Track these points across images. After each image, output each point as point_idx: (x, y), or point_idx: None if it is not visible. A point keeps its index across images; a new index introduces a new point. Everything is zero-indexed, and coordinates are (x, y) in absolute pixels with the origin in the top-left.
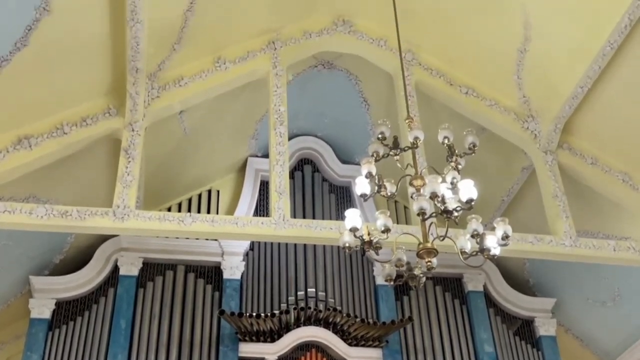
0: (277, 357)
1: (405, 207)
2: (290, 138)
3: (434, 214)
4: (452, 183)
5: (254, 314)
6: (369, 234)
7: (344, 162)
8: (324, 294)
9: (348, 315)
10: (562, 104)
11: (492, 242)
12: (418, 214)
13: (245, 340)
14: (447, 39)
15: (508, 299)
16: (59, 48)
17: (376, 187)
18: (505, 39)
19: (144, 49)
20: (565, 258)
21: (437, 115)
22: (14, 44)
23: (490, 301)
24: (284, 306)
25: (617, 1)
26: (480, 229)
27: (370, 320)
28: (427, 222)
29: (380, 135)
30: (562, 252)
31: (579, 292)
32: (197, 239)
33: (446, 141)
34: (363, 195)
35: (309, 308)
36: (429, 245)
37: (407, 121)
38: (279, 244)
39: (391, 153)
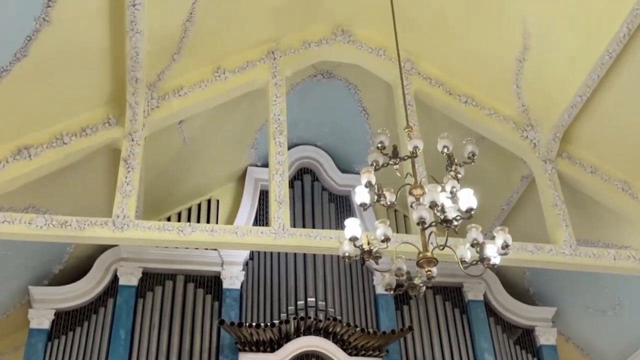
0: None
1: (405, 216)
2: (289, 147)
3: (433, 223)
4: (451, 192)
5: (254, 323)
6: (368, 243)
7: (343, 171)
8: (323, 303)
9: (348, 324)
10: (561, 113)
11: (492, 251)
12: (418, 223)
13: (245, 350)
14: (446, 49)
15: (508, 308)
16: (59, 58)
17: (376, 197)
18: (504, 48)
19: (143, 59)
20: (566, 267)
21: (436, 125)
22: (14, 55)
23: (490, 310)
24: (283, 316)
25: (616, 10)
26: (480, 238)
27: (371, 330)
28: (427, 232)
29: (379, 145)
30: (562, 261)
31: (579, 301)
32: (196, 248)
33: (445, 150)
34: (363, 205)
35: (309, 318)
36: (428, 254)
37: (406, 130)
38: (278, 253)
39: (391, 162)
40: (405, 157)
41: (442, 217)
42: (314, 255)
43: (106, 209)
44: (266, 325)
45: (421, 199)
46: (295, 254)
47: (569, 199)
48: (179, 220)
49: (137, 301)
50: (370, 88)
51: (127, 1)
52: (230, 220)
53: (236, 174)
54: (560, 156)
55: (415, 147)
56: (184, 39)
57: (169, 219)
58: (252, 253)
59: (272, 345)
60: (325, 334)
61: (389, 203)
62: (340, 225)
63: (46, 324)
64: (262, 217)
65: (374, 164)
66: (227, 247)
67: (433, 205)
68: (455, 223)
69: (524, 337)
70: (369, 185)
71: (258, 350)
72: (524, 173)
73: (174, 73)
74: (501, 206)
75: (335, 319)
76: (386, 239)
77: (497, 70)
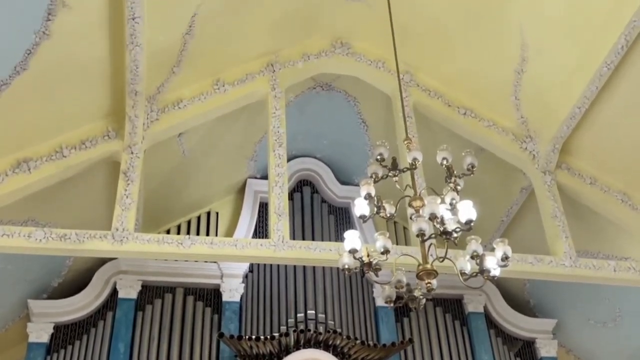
0: None
1: (404, 228)
2: (289, 159)
3: (433, 235)
4: (451, 204)
5: (254, 336)
6: (368, 256)
7: (343, 183)
8: (323, 316)
9: (348, 337)
10: (560, 124)
11: (492, 263)
12: (417, 235)
13: None
14: (444, 61)
15: (509, 320)
16: (59, 72)
17: (375, 209)
18: (502, 60)
19: (143, 72)
20: (566, 279)
21: (435, 136)
22: (14, 68)
23: (490, 322)
24: (283, 329)
25: (614, 22)
26: (480, 250)
27: (371, 343)
28: (427, 243)
29: (379, 157)
30: (562, 273)
31: (579, 312)
32: (196, 261)
33: (445, 162)
34: (362, 217)
35: (309, 330)
36: (428, 266)
37: (405, 142)
38: (278, 265)
39: (390, 174)
40: (405, 169)
41: (441, 229)
42: (314, 267)
43: (105, 222)
44: (266, 338)
45: (421, 211)
46: (295, 266)
47: (568, 210)
48: (178, 233)
49: (136, 314)
50: (369, 100)
51: (127, 14)
52: (230, 232)
53: (236, 186)
54: (559, 167)
55: (415, 159)
56: (184, 52)
57: (168, 232)
58: (251, 265)
59: (272, 358)
60: (325, 346)
61: (388, 215)
62: (339, 238)
63: (45, 338)
64: (261, 230)
65: (374, 176)
66: (227, 259)
67: (433, 217)
68: (455, 235)
69: (525, 349)
70: (368, 197)
71: None
72: (523, 184)
73: (173, 86)
74: (501, 218)
75: (335, 332)
76: (386, 251)
77: (496, 82)
